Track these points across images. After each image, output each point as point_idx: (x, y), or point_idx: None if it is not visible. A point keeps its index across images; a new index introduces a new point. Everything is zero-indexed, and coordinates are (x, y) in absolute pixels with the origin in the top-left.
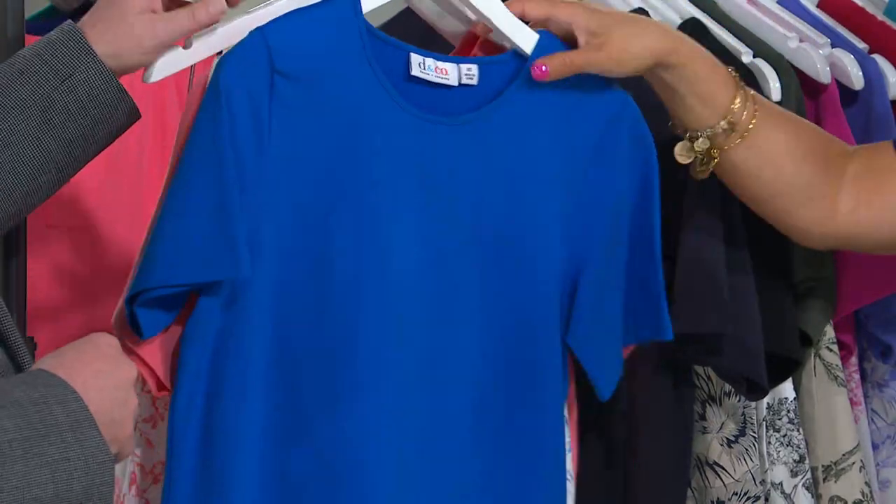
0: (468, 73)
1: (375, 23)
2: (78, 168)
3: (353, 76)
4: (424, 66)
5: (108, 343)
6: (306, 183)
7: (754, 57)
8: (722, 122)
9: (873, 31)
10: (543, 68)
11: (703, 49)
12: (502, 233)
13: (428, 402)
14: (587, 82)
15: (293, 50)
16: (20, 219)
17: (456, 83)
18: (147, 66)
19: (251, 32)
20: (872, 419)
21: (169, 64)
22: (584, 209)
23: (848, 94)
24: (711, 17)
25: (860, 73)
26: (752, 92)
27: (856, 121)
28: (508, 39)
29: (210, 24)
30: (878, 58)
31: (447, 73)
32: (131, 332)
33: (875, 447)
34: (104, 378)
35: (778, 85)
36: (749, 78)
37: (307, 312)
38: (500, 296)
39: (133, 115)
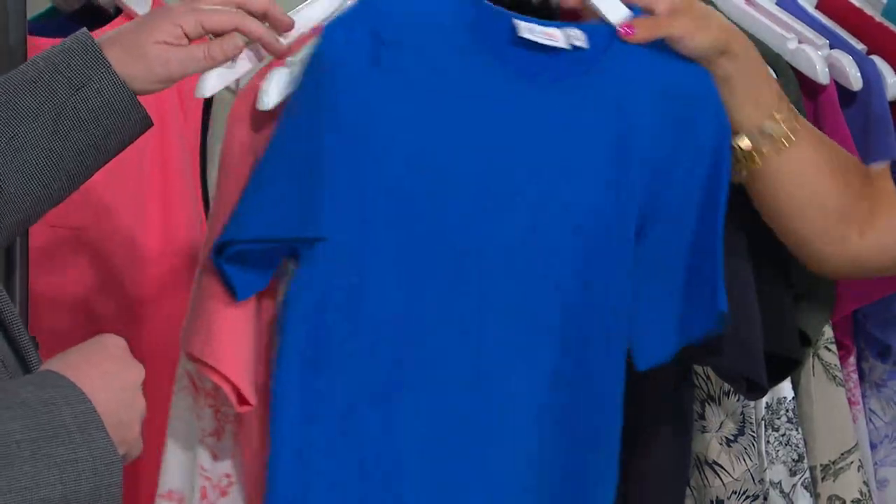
0: (574, 36)
1: None
2: (89, 176)
3: (455, 42)
4: (532, 30)
5: (115, 345)
6: (408, 150)
7: None
8: (767, 123)
9: (871, 32)
10: (630, 29)
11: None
12: (586, 200)
13: (500, 390)
14: (675, 62)
15: (397, 17)
16: (30, 225)
17: (566, 45)
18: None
19: (357, 1)
20: (870, 419)
21: (221, 77)
22: (661, 184)
23: (846, 95)
24: None
25: (858, 74)
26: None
27: (854, 121)
28: (602, 15)
29: (224, 62)
30: (876, 59)
31: (556, 36)
32: (202, 351)
33: (873, 446)
34: (111, 379)
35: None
36: None
37: (397, 279)
38: (582, 274)
39: (145, 124)
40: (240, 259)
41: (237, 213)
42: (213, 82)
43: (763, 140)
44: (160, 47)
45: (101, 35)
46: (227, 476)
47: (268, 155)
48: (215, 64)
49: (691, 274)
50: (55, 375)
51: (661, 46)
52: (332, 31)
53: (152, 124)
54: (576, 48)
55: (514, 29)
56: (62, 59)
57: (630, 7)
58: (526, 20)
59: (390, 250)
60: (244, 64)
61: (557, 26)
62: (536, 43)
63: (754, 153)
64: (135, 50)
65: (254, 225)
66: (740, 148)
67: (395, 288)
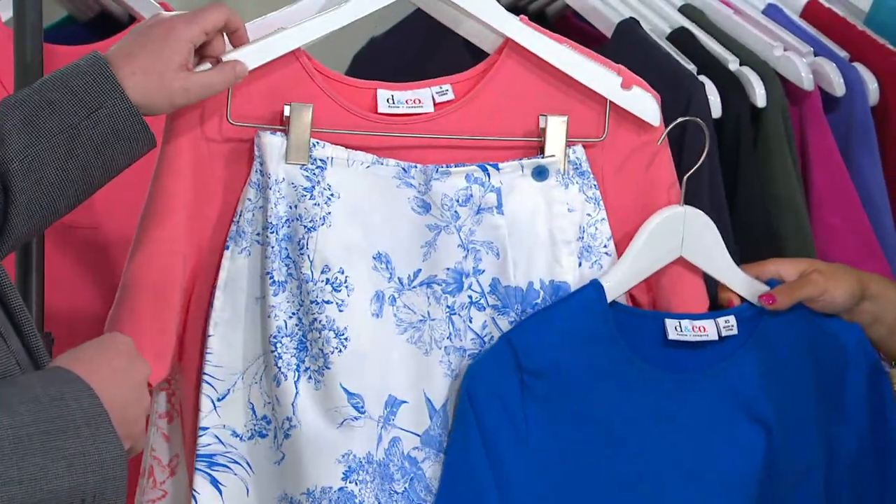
0: (727, 324)
1: (383, 26)
2: (93, 192)
3: (601, 358)
4: (681, 329)
5: (123, 342)
6: (568, 466)
7: (740, 65)
8: None
9: (854, 40)
10: (771, 298)
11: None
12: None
13: None
14: (820, 321)
15: (539, 347)
16: (39, 233)
17: (716, 337)
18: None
19: (499, 339)
20: None
21: None
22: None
23: (830, 101)
24: (699, 27)
25: (842, 81)
26: None
27: (837, 126)
28: (742, 295)
29: (236, 82)
30: (858, 66)
31: (705, 329)
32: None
33: None
34: (119, 376)
35: (763, 91)
36: (735, 85)
37: None
38: None
39: (151, 145)
40: None
41: None
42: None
43: None
44: (181, 75)
45: (113, 53)
46: (177, 457)
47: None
48: (227, 86)
49: None
50: (65, 372)
51: (805, 312)
52: (474, 373)
53: (156, 145)
54: (724, 338)
55: (664, 329)
56: (78, 83)
57: (768, 283)
58: (677, 317)
59: None
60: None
61: (713, 316)
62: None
63: None
64: (156, 80)
65: None
66: None
67: None
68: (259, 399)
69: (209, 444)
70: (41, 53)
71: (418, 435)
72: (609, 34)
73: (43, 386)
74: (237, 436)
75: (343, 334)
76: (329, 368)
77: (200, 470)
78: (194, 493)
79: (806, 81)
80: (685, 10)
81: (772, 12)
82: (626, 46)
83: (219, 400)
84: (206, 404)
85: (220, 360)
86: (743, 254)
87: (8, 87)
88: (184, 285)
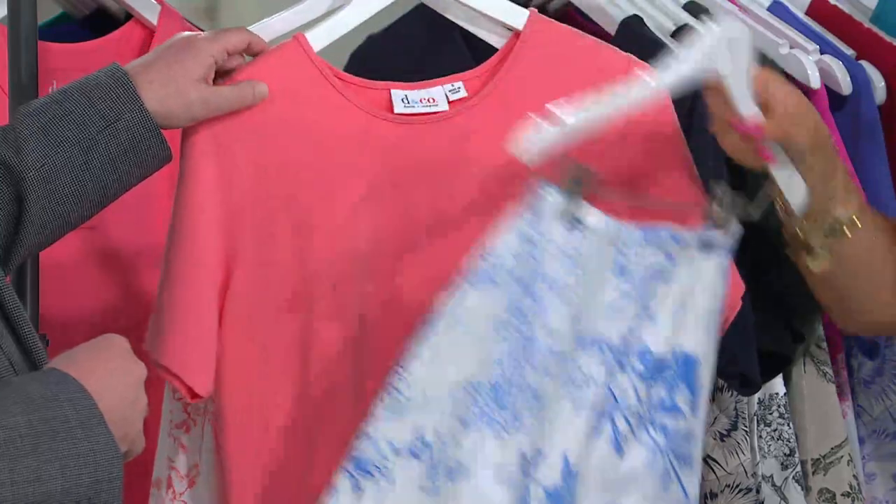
0: None
1: (381, 23)
2: (107, 204)
3: None
4: None
5: (119, 344)
6: None
7: None
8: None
9: (860, 37)
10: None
11: None
12: None
13: None
14: None
15: None
16: (47, 246)
17: None
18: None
19: None
20: (859, 414)
21: None
22: None
23: (836, 99)
24: (704, 24)
25: (848, 79)
26: None
27: (844, 125)
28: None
29: (254, 103)
30: (865, 64)
31: None
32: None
33: (861, 441)
34: (115, 377)
35: None
36: None
37: None
38: None
39: (167, 159)
40: None
41: None
42: None
43: (847, 224)
44: (200, 87)
45: (132, 66)
46: (196, 467)
47: None
48: (244, 106)
49: None
50: (59, 373)
51: None
52: None
53: (172, 159)
54: None
55: None
56: (96, 93)
57: None
58: None
59: None
60: None
61: None
62: None
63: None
64: (175, 90)
65: None
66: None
67: None
68: (430, 424)
69: (365, 450)
70: (36, 51)
71: (549, 493)
72: (612, 31)
73: (37, 387)
74: (393, 448)
75: (542, 398)
76: (518, 430)
77: (346, 469)
78: (334, 489)
79: (812, 80)
80: (689, 8)
81: (777, 9)
82: (629, 44)
83: (391, 412)
84: (380, 413)
85: (415, 379)
86: (749, 253)
87: (3, 85)
88: (217, 298)
